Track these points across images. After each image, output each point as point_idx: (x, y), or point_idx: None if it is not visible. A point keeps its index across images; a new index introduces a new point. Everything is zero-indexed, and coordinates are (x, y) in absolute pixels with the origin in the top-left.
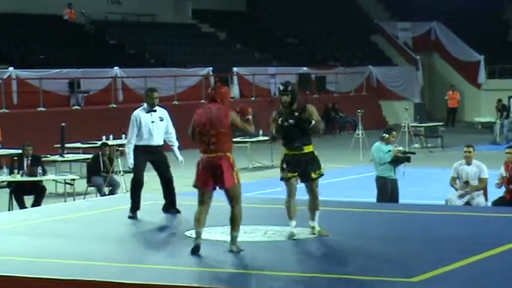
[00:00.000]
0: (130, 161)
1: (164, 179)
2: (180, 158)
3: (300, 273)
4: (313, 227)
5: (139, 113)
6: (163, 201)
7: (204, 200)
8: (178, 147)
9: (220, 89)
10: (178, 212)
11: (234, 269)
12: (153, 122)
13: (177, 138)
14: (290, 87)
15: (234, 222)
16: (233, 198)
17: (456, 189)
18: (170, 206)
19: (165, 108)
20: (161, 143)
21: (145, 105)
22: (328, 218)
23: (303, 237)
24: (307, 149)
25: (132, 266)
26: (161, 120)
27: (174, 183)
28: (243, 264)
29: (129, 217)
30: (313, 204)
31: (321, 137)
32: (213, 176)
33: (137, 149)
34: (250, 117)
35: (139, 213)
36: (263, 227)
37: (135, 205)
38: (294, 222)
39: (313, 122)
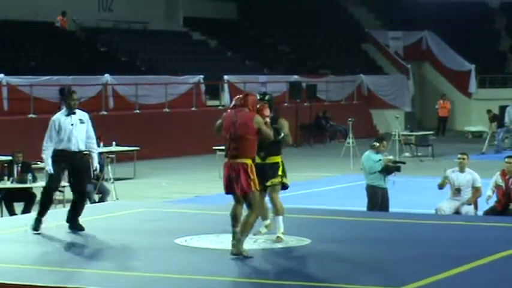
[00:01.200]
0: (49, 167)
1: (77, 191)
2: (96, 165)
3: (288, 281)
4: (266, 226)
5: (58, 117)
6: (153, 209)
7: (236, 200)
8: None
9: (248, 96)
10: (82, 229)
11: (220, 277)
12: (72, 125)
13: (174, 144)
14: (267, 96)
15: (244, 226)
16: (249, 205)
17: (439, 188)
18: (73, 220)
19: (87, 112)
20: (82, 148)
21: (64, 108)
22: (318, 227)
23: (292, 245)
24: (273, 159)
25: (120, 273)
26: (81, 123)
27: (85, 198)
28: (230, 272)
29: (35, 233)
30: (274, 209)
31: (312, 146)
32: (231, 181)
33: (55, 154)
34: (268, 120)
35: (129, 221)
36: (253, 235)
37: (41, 218)
38: (266, 221)
39: (282, 134)
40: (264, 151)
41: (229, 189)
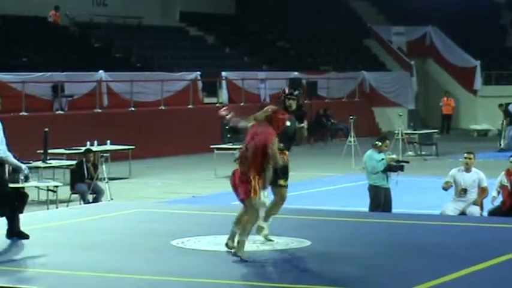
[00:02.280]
0: (23, 166)
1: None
2: (22, 165)
3: (287, 284)
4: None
5: None
6: (149, 209)
7: (244, 205)
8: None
9: (278, 114)
10: (27, 237)
11: (218, 280)
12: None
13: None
14: (297, 92)
15: (242, 228)
16: (246, 211)
17: (444, 189)
18: (15, 230)
19: None
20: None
21: None
22: (318, 228)
23: (292, 246)
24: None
25: (116, 275)
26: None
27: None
28: (228, 274)
29: None
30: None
31: (312, 145)
32: (236, 187)
33: None
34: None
35: (124, 222)
36: (250, 237)
37: None
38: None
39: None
40: (285, 146)
41: (236, 194)
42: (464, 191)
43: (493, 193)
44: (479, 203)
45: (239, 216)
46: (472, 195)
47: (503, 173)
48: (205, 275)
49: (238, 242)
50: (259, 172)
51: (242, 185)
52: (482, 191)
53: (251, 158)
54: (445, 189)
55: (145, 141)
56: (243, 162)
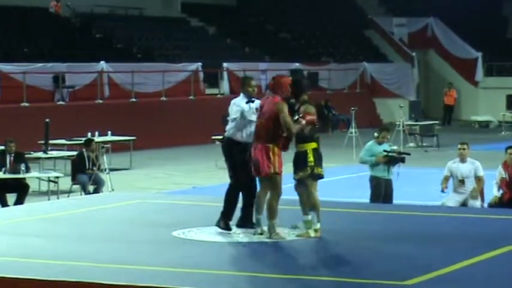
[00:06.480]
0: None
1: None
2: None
3: (287, 275)
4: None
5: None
6: (149, 200)
7: (260, 185)
8: None
9: (279, 79)
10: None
11: (219, 271)
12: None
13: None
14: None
15: (268, 211)
16: (268, 188)
17: (442, 191)
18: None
19: None
20: None
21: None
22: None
23: (293, 238)
24: (301, 147)
25: (117, 266)
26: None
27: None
28: (229, 265)
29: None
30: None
31: None
32: (253, 164)
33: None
34: (304, 122)
35: (125, 213)
36: (252, 228)
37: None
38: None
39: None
40: (296, 137)
41: (254, 172)
42: (462, 181)
43: (494, 191)
44: (478, 192)
45: (256, 200)
46: (471, 184)
47: (500, 166)
48: (206, 265)
49: (268, 227)
50: (275, 141)
51: (261, 161)
52: (478, 180)
53: (264, 128)
54: (442, 190)
55: (147, 132)
56: (259, 133)
